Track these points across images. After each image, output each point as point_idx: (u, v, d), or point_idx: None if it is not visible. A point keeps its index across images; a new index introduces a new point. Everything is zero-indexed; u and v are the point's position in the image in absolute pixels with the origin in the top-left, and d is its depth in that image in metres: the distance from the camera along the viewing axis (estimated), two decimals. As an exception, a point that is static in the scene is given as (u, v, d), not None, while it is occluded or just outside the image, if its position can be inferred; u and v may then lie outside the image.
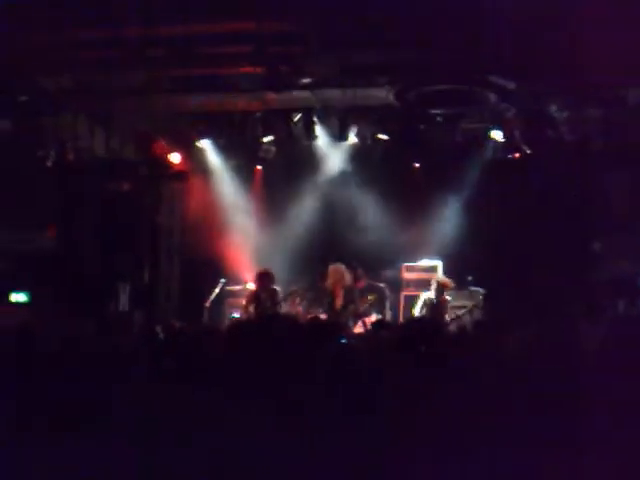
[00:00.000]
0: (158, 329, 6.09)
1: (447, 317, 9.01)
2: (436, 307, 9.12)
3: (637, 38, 6.58)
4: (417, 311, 9.31)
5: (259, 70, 8.28)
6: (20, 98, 8.36)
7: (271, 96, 8.92)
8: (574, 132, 9.35)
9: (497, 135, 9.88)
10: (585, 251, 9.61)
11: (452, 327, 8.15)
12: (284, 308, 9.75)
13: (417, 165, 10.76)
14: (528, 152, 9.92)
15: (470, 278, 9.76)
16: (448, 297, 9.33)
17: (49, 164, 8.82)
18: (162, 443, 2.38)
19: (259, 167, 11.01)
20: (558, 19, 6.60)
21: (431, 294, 9.29)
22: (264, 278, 9.35)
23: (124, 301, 9.89)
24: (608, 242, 9.57)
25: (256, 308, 9.39)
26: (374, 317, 9.42)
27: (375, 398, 2.81)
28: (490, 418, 2.46)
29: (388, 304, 10.14)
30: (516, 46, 7.01)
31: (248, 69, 8.23)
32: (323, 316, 9.17)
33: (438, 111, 9.16)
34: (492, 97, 8.48)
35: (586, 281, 9.33)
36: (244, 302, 9.51)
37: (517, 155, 10.02)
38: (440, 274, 9.91)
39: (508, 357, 3.52)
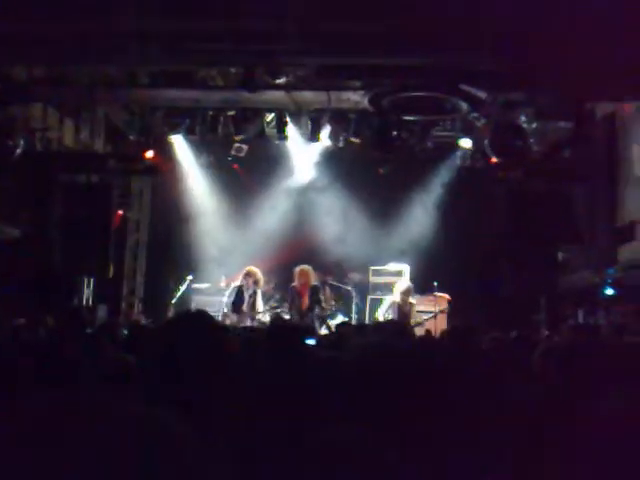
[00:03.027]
0: (122, 325, 6.06)
1: (412, 321, 9.09)
2: (401, 311, 9.19)
3: (612, 53, 6.72)
4: (381, 314, 9.37)
5: (234, 68, 8.27)
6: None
7: (245, 95, 8.91)
8: (542, 143, 9.53)
9: (466, 143, 10.01)
10: (549, 260, 9.78)
11: (416, 331, 8.23)
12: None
13: (382, 170, 10.81)
14: (496, 161, 10.07)
15: (436, 284, 9.85)
16: (413, 301, 9.42)
17: (18, 154, 8.70)
18: (128, 444, 2.38)
19: (235, 165, 10.97)
20: (535, 31, 6.71)
21: (396, 297, 9.37)
22: (250, 276, 9.37)
23: (88, 295, 9.78)
24: (570, 252, 9.74)
25: (238, 305, 9.44)
26: (340, 319, 9.47)
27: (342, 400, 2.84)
28: (465, 423, 2.50)
29: (354, 307, 10.20)
30: (490, 56, 7.11)
31: (223, 67, 8.22)
32: (287, 317, 9.23)
33: (411, 117, 9.24)
34: (464, 106, 8.59)
35: (549, 290, 9.50)
36: (228, 298, 9.55)
37: (485, 164, 10.17)
38: (406, 279, 10.00)
39: (473, 361, 3.58)
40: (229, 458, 2.28)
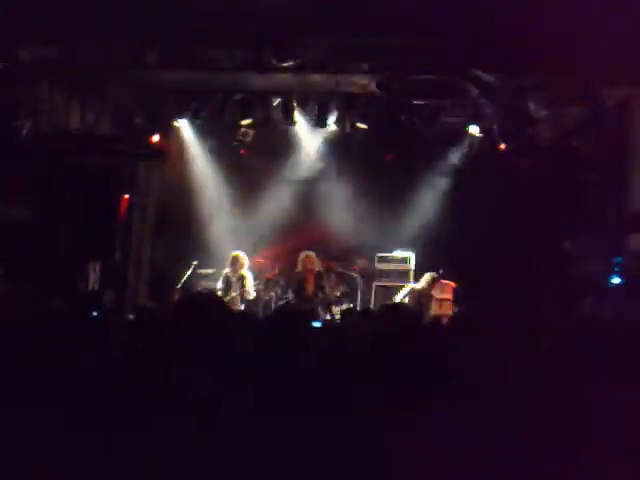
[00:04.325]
0: (128, 310, 6.04)
1: (430, 312, 9.08)
2: (422, 299, 9.15)
3: (621, 38, 6.64)
4: (399, 298, 9.33)
5: (243, 50, 8.19)
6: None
7: (252, 78, 8.84)
8: (552, 130, 9.43)
9: (475, 129, 9.94)
10: (557, 248, 9.71)
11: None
12: (257, 293, 9.82)
13: (389, 156, 10.74)
14: (505, 148, 9.99)
15: (441, 271, 9.80)
16: (433, 293, 9.38)
17: (24, 135, 8.64)
18: (131, 425, 2.37)
19: (242, 150, 10.90)
20: (544, 14, 6.63)
21: (420, 286, 9.34)
22: (234, 262, 9.63)
23: (94, 280, 9.76)
24: (578, 241, 9.67)
25: (227, 292, 9.55)
26: (345, 306, 9.46)
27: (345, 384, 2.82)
28: (467, 410, 2.48)
29: (360, 294, 10.17)
30: (500, 40, 7.03)
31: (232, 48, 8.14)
32: (292, 302, 9.24)
33: (420, 102, 9.16)
34: (473, 90, 8.50)
35: (557, 278, 9.44)
36: (219, 285, 9.66)
37: (493, 150, 10.08)
38: (413, 265, 10.00)
39: (480, 350, 3.55)
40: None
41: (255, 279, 9.94)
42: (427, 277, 9.47)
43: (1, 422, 2.37)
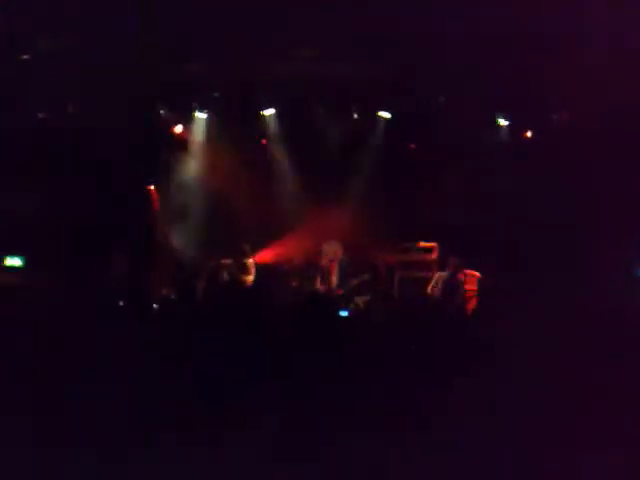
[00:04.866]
0: (153, 300, 6.08)
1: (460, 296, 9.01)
2: (450, 285, 9.09)
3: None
4: (430, 288, 9.30)
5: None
6: (20, 57, 8.25)
7: (274, 67, 8.83)
8: (578, 119, 9.32)
9: (500, 119, 9.85)
10: (577, 243, 9.59)
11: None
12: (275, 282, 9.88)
13: (413, 146, 10.69)
14: (530, 136, 9.89)
15: (459, 260, 9.71)
16: (462, 277, 9.31)
17: (45, 127, 8.71)
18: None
19: (264, 140, 10.90)
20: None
21: (445, 273, 9.31)
22: (239, 253, 9.89)
23: (118, 269, 9.83)
24: (596, 236, 9.52)
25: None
26: (368, 296, 9.45)
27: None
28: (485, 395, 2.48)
29: (382, 284, 10.13)
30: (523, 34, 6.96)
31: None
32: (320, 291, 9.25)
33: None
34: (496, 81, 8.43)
35: (574, 272, 9.31)
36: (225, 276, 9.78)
37: (520, 139, 9.99)
38: (437, 256, 9.95)
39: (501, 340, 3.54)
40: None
41: (275, 269, 10.00)
42: (453, 261, 9.41)
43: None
